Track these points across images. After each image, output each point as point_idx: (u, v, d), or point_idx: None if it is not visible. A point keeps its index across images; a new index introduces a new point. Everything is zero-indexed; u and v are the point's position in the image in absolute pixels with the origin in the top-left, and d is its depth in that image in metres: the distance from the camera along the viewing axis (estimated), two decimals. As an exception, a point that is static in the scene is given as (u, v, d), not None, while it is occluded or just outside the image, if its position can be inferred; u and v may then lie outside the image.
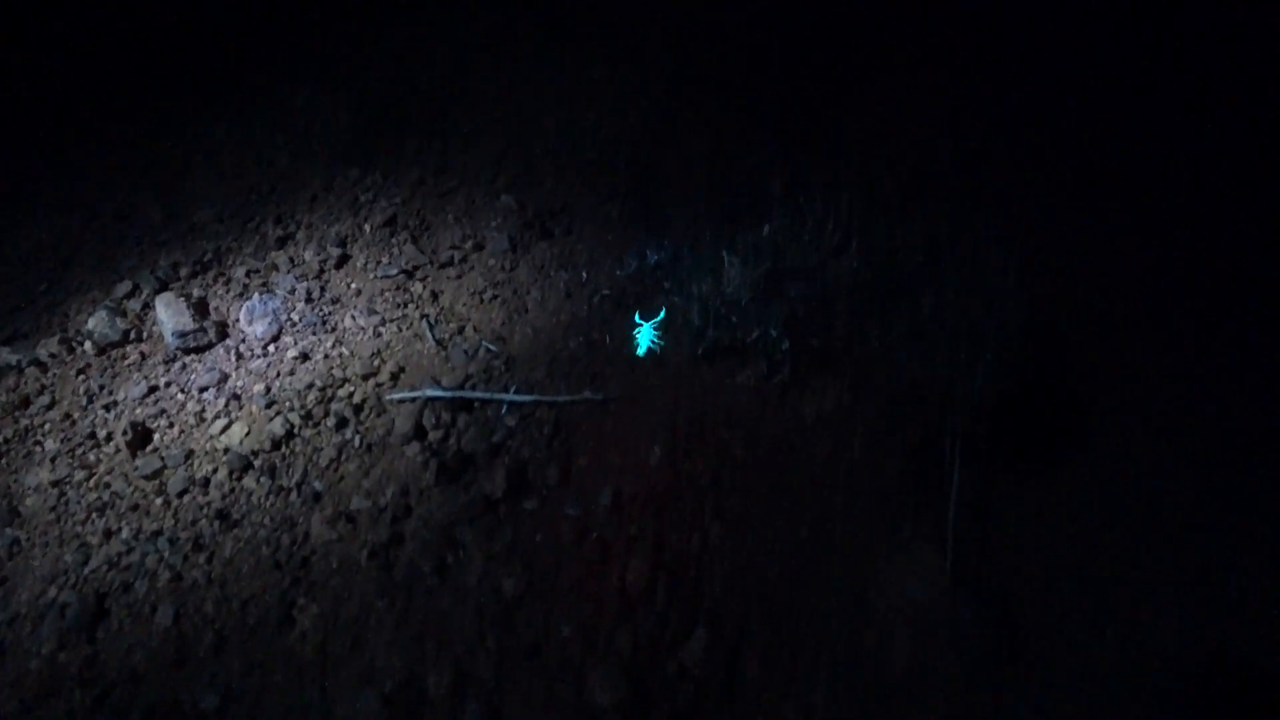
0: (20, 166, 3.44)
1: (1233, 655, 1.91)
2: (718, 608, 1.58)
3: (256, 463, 1.92)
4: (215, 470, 1.95)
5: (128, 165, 3.35)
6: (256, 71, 3.91)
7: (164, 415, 2.24)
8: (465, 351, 2.19)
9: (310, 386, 2.14)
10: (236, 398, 2.21)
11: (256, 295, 2.57)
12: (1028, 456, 2.09)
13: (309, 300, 2.58)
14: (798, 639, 1.63)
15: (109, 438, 2.17)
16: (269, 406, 2.11)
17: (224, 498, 1.86)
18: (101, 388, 2.36)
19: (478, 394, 1.97)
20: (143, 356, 2.47)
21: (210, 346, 2.46)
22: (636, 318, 2.06)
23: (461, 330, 2.33)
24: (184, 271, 2.79)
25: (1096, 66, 3.57)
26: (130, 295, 2.66)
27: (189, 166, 3.43)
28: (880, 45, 3.76)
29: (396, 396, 2.04)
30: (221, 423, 2.12)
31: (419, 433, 1.89)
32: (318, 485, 1.85)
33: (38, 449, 2.19)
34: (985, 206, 2.79)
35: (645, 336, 2.00)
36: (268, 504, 1.83)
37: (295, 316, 2.51)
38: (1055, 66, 3.56)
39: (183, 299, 2.51)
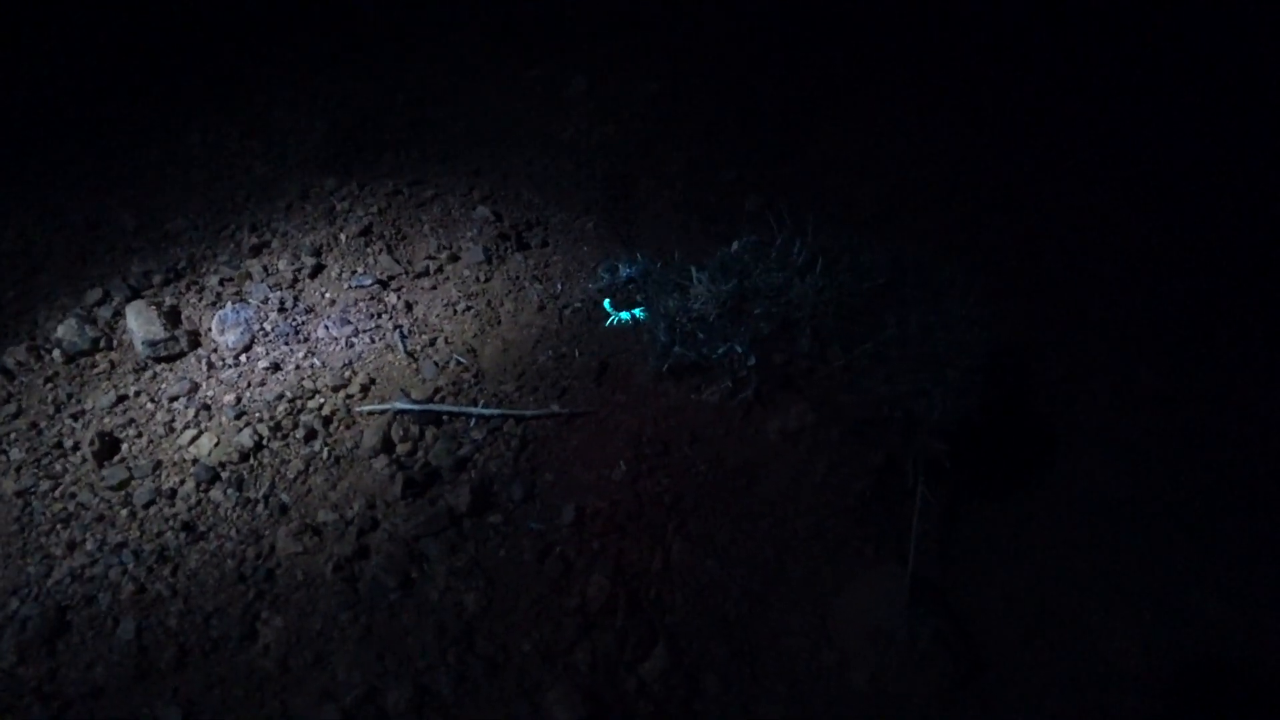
0: None
1: (1191, 670, 1.98)
2: (678, 626, 1.63)
3: (224, 474, 1.95)
4: (183, 482, 1.97)
5: (98, 172, 3.34)
6: (231, 81, 3.91)
7: (133, 425, 2.25)
8: (436, 364, 2.23)
9: (280, 398, 2.17)
10: (206, 408, 2.23)
11: (229, 305, 2.59)
12: (989, 479, 2.16)
13: (282, 310, 2.60)
14: (758, 658, 1.67)
15: (76, 447, 2.18)
16: (239, 418, 2.13)
17: (190, 510, 1.89)
18: (70, 396, 2.37)
19: (446, 407, 2.00)
20: (112, 365, 2.48)
21: (181, 355, 2.48)
22: (607, 304, 2.15)
23: (434, 342, 2.36)
24: (156, 279, 2.79)
25: (1070, 94, 3.66)
26: (100, 303, 2.67)
27: (162, 175, 3.43)
28: (860, 65, 3.84)
29: (366, 409, 2.07)
30: (191, 433, 2.14)
31: (387, 446, 1.93)
32: (285, 498, 1.87)
33: (2, 458, 2.19)
34: (952, 231, 2.86)
35: (620, 315, 2.11)
36: (234, 516, 1.86)
37: (268, 326, 2.53)
38: (1032, 94, 3.65)
39: (154, 307, 2.53)
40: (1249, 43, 3.76)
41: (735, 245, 2.01)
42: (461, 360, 2.21)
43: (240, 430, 2.08)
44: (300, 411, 2.11)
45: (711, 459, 1.87)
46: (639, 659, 1.53)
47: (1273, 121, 3.45)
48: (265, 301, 2.66)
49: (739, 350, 1.91)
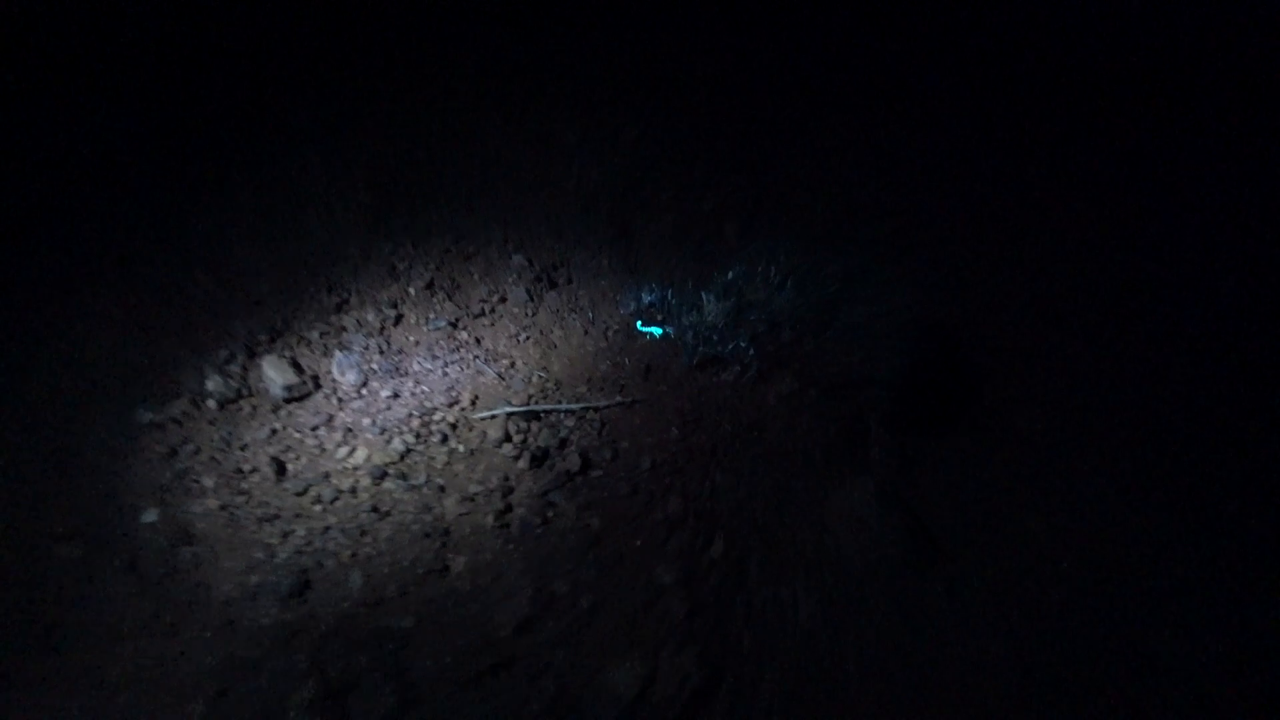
0: (62, 246, 4.10)
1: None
2: (727, 526, 2.51)
3: (390, 471, 2.75)
4: (357, 481, 2.77)
5: (167, 240, 4.06)
6: (259, 143, 4.65)
7: (289, 450, 3.02)
8: (521, 379, 3.08)
9: (410, 415, 2.98)
10: (350, 430, 3.02)
11: (339, 351, 3.38)
12: (928, 418, 3.11)
13: (381, 352, 3.41)
14: (780, 544, 2.57)
15: (254, 470, 2.95)
16: (382, 433, 2.94)
17: (372, 498, 2.69)
18: (231, 434, 3.12)
19: (543, 406, 2.86)
20: (254, 408, 3.24)
21: (309, 395, 3.26)
22: (640, 325, 3.02)
23: (512, 365, 3.21)
24: (263, 338, 3.55)
25: (996, 116, 4.73)
26: (229, 361, 3.42)
27: (226, 239, 4.17)
28: (810, 100, 4.82)
29: (480, 415, 2.90)
30: (346, 449, 2.93)
31: (507, 437, 2.77)
32: (440, 481, 2.69)
33: (195, 485, 2.94)
34: (892, 239, 3.86)
35: (651, 329, 2.99)
36: (407, 498, 2.67)
37: (375, 365, 3.34)
38: (955, 117, 4.70)
39: (284, 359, 3.30)
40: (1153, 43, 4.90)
41: (730, 274, 2.93)
42: (542, 374, 3.07)
43: (389, 442, 2.88)
44: (430, 423, 2.93)
45: (733, 419, 2.76)
46: (706, 547, 2.40)
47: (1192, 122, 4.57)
48: (365, 348, 3.45)
49: (742, 345, 2.82)
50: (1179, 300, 3.76)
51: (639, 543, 2.39)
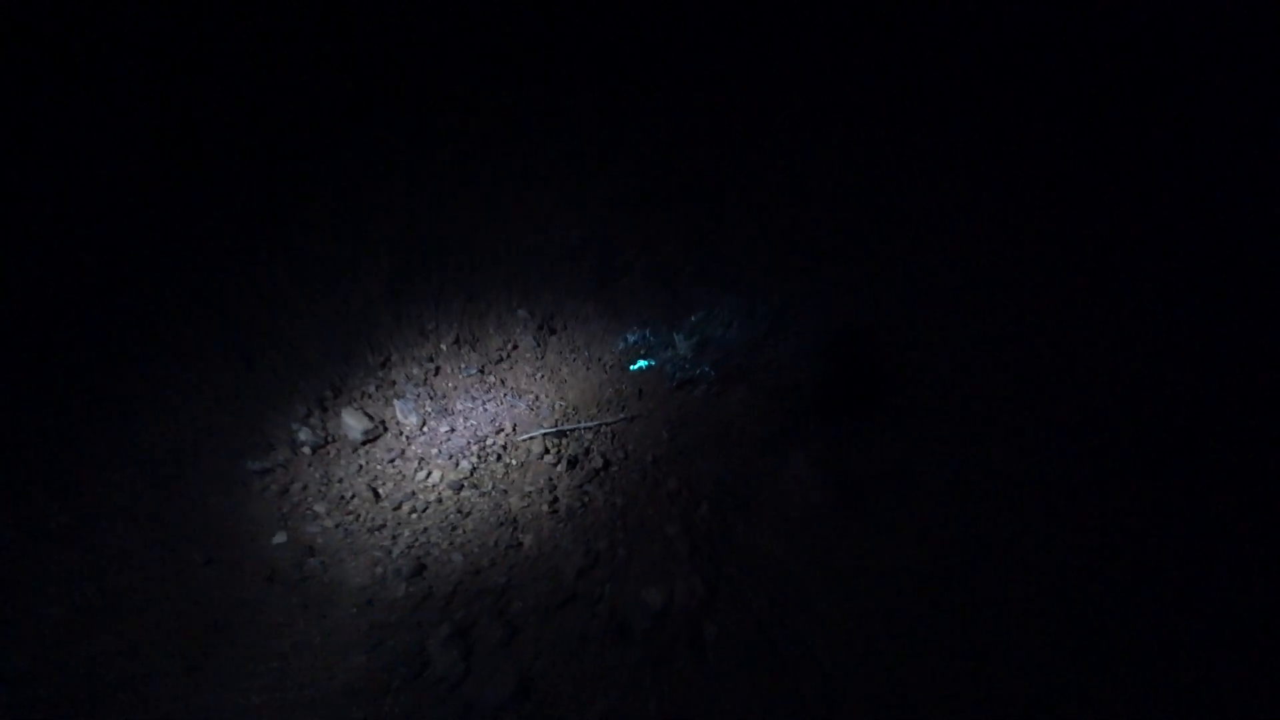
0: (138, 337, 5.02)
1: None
2: (710, 495, 3.67)
3: (465, 484, 3.82)
4: (440, 495, 3.83)
5: (227, 314, 5.00)
6: (283, 219, 5.64)
7: (377, 479, 4.06)
8: (546, 408, 4.18)
9: (468, 443, 4.06)
10: (422, 459, 4.07)
11: (397, 400, 4.42)
12: (849, 402, 4.33)
13: (430, 398, 4.46)
14: (748, 503, 3.73)
15: (354, 495, 3.97)
16: (450, 458, 4.00)
17: (455, 504, 3.75)
18: (327, 472, 4.13)
19: (567, 426, 3.97)
20: (339, 450, 4.25)
21: (381, 436, 4.29)
22: (630, 367, 4.16)
23: (536, 398, 4.32)
24: (328, 394, 4.57)
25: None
26: (308, 415, 4.42)
27: (275, 308, 5.14)
28: (746, 157, 6.06)
29: (522, 437, 4.00)
30: (423, 474, 3.98)
31: (546, 451, 3.87)
32: (503, 487, 3.78)
33: (310, 512, 3.94)
34: (816, 267, 5.09)
35: (638, 364, 4.12)
36: (480, 501, 3.74)
37: (428, 408, 4.39)
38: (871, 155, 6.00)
39: (357, 409, 4.33)
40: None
41: (694, 318, 4.10)
42: (561, 403, 4.18)
43: (457, 464, 3.94)
44: (485, 447, 4.00)
45: (706, 422, 3.93)
46: (695, 508, 3.55)
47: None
48: (418, 395, 4.50)
49: (707, 369, 3.99)
50: (1048, 300, 5.10)
51: (651, 511, 3.53)
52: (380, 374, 4.66)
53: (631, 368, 4.17)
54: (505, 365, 4.64)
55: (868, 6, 6.99)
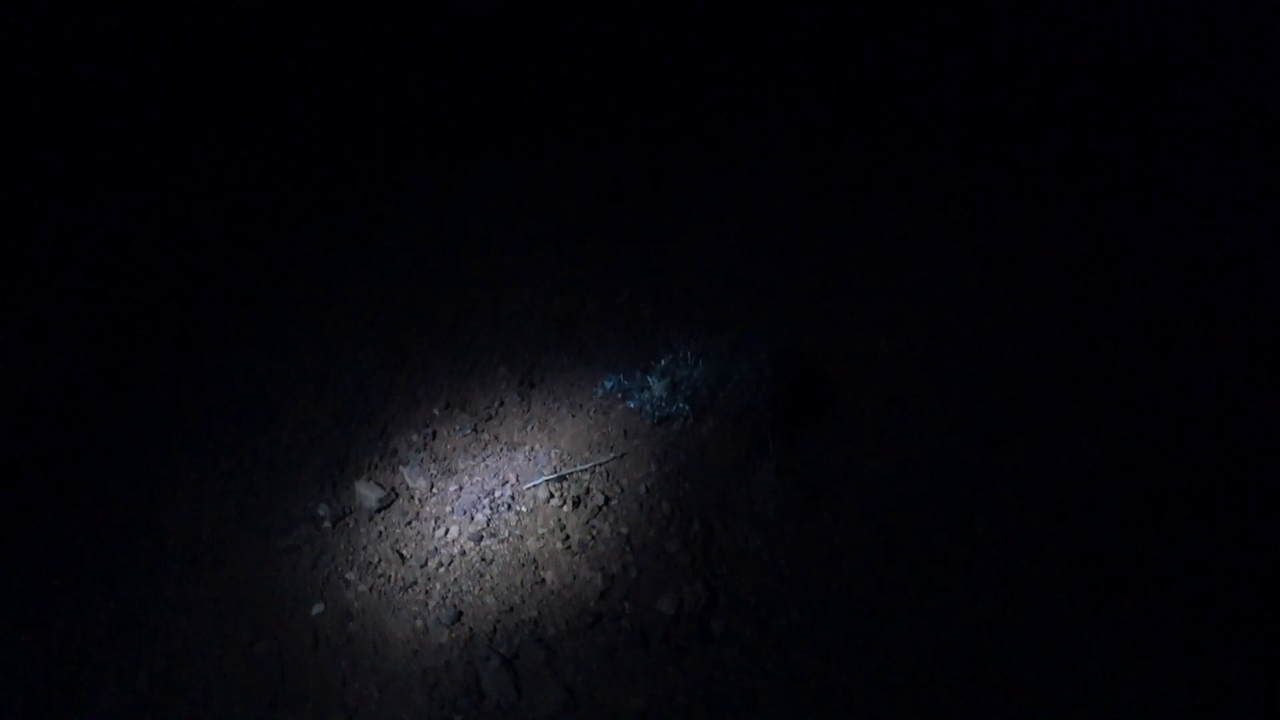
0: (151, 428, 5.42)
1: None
2: (698, 510, 4.39)
3: (483, 535, 4.42)
4: (462, 548, 4.40)
5: (227, 400, 5.47)
6: (267, 304, 6.11)
7: (399, 541, 4.61)
8: (543, 456, 4.82)
9: (478, 498, 4.65)
10: (438, 518, 4.64)
11: (403, 467, 4.98)
12: (802, 417, 5.13)
13: (433, 460, 5.03)
14: (730, 512, 4.47)
15: (381, 560, 4.51)
16: (464, 514, 4.59)
17: (478, 553, 4.34)
18: (351, 541, 4.65)
19: (566, 470, 4.62)
20: (357, 520, 4.78)
21: (395, 502, 4.84)
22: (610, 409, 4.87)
23: (532, 448, 4.95)
24: (336, 469, 5.09)
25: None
26: (322, 489, 4.92)
27: (271, 397, 5.61)
28: (682, 201, 6.84)
29: (526, 486, 4.62)
30: (442, 531, 4.56)
31: (550, 495, 4.51)
32: (518, 532, 4.39)
33: (343, 580, 4.46)
34: (760, 309, 5.89)
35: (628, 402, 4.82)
36: (500, 548, 4.34)
37: (433, 470, 4.96)
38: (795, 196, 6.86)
39: (369, 479, 4.86)
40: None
41: (663, 361, 4.82)
42: (555, 449, 4.83)
43: (472, 518, 4.53)
44: (495, 498, 4.61)
45: (685, 450, 4.65)
46: (688, 524, 4.26)
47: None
48: (421, 460, 5.05)
49: (681, 405, 4.72)
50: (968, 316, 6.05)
51: (653, 533, 4.23)
52: (381, 444, 5.21)
53: (612, 412, 4.85)
54: (496, 421, 5.25)
55: (807, 48, 7.95)
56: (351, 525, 4.74)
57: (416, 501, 4.79)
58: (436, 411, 5.36)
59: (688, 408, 4.68)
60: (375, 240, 6.52)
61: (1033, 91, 7.65)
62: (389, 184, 6.89)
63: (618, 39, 8.30)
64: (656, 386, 4.72)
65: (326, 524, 4.72)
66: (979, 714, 3.60)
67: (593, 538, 4.27)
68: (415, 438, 5.19)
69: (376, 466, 5.05)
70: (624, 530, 4.28)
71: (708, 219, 6.79)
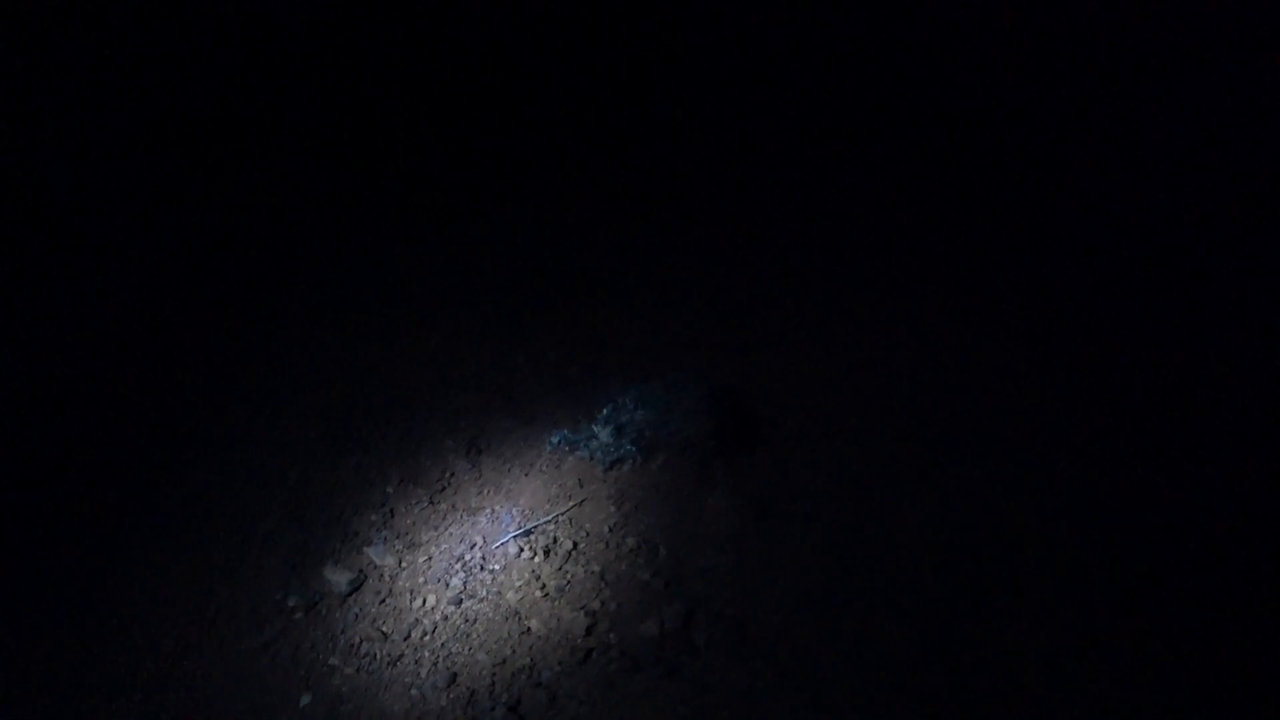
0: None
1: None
2: (662, 539, 4.91)
3: (461, 599, 4.75)
4: (443, 613, 4.71)
5: (189, 507, 5.57)
6: (206, 425, 6.24)
7: (376, 619, 4.86)
8: (505, 515, 5.22)
9: (449, 565, 4.98)
10: (412, 590, 4.93)
11: (367, 547, 5.23)
12: (739, 446, 5.78)
13: (397, 536, 5.31)
14: (689, 538, 5.02)
15: (362, 640, 4.74)
16: (438, 581, 4.90)
17: (460, 615, 4.66)
18: (327, 627, 4.85)
19: (531, 524, 5.05)
20: (329, 605, 4.98)
21: (365, 581, 5.08)
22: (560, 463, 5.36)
23: (492, 509, 5.33)
24: (299, 558, 5.27)
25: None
26: (288, 580, 5.09)
27: (208, 500, 5.73)
28: (607, 259, 7.51)
29: (494, 545, 5.01)
30: (419, 601, 4.84)
31: (520, 551, 4.91)
32: (495, 589, 4.75)
33: (326, 667, 4.65)
34: (690, 350, 6.57)
35: (579, 453, 5.32)
36: (480, 607, 4.68)
37: (398, 545, 5.24)
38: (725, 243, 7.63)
39: (335, 563, 5.09)
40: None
41: (606, 410, 5.37)
42: (515, 507, 5.24)
43: (447, 585, 4.85)
44: (466, 562, 4.95)
45: (640, 488, 5.18)
46: (655, 554, 4.77)
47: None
48: (384, 538, 5.31)
49: (628, 448, 5.26)
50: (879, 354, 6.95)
51: (624, 566, 4.72)
52: (340, 529, 5.45)
53: (564, 465, 5.34)
54: (450, 490, 5.60)
55: (703, 96, 8.87)
56: (325, 612, 4.94)
57: (387, 579, 5.06)
58: (390, 490, 5.66)
59: (635, 449, 5.24)
60: (310, 335, 6.79)
61: (945, 125, 8.95)
62: (315, 278, 7.20)
63: (525, 104, 9.05)
64: (603, 434, 5.26)
65: (299, 614, 4.90)
66: (951, 679, 4.25)
67: (568, 581, 4.70)
68: (374, 517, 5.46)
69: (340, 551, 5.28)
70: (596, 569, 4.74)
71: (629, 268, 7.51)
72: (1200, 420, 5.75)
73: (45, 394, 6.58)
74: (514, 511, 5.24)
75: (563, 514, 5.09)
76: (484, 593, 4.76)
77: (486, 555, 4.97)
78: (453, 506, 5.48)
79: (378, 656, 4.64)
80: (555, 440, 5.57)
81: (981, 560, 4.84)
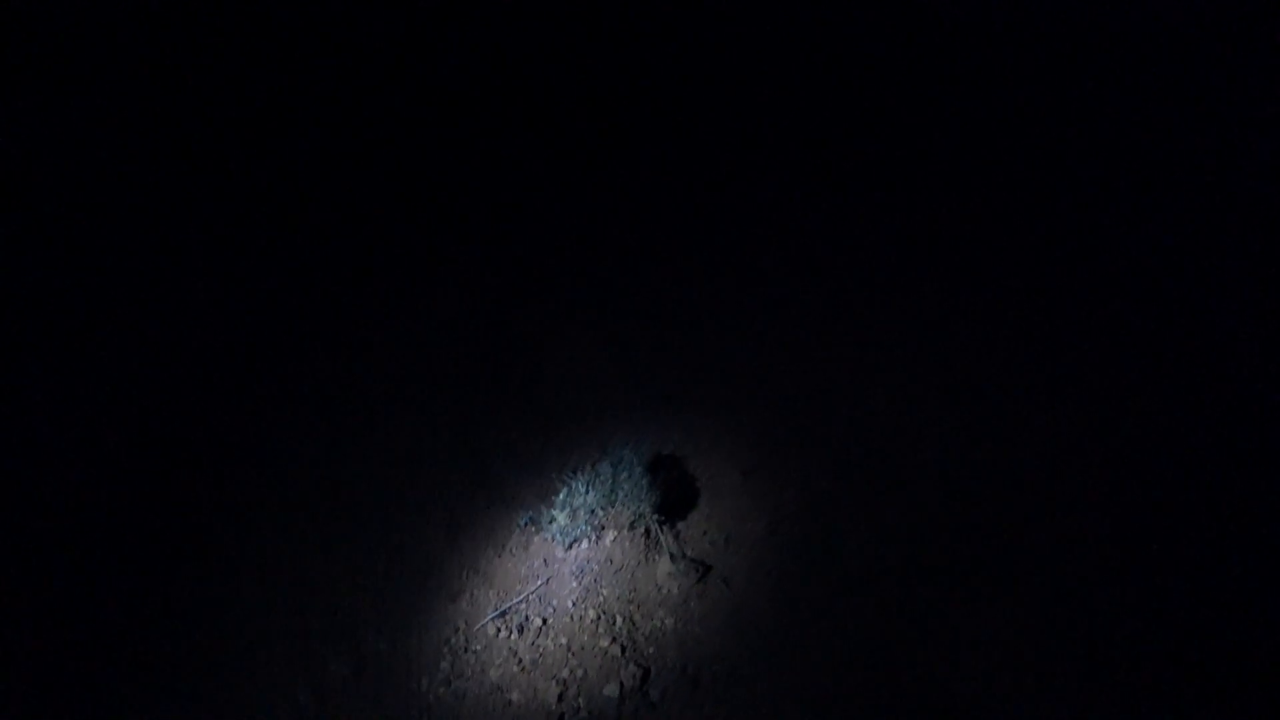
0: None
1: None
2: (618, 608, 5.80)
3: (450, 678, 5.61)
4: (435, 694, 5.57)
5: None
6: (189, 557, 7.04)
7: (378, 702, 5.70)
8: (481, 598, 6.07)
9: (438, 648, 5.83)
10: (406, 674, 5.78)
11: (363, 630, 6.07)
12: (679, 515, 6.66)
13: (384, 620, 6.15)
14: (644, 602, 5.91)
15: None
16: (429, 664, 5.75)
17: (448, 694, 5.52)
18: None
19: (505, 605, 5.92)
20: (334, 692, 5.82)
21: (364, 670, 5.92)
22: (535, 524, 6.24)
23: (470, 594, 6.18)
24: (296, 661, 6.10)
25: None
26: (300, 673, 5.92)
27: (211, 604, 6.53)
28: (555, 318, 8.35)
29: (477, 627, 5.87)
30: (413, 684, 5.69)
31: (497, 631, 5.77)
32: (479, 667, 5.61)
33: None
34: (626, 423, 7.45)
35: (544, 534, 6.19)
36: (464, 684, 5.55)
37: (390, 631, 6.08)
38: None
39: (340, 657, 5.92)
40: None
41: (562, 494, 6.25)
42: (490, 589, 6.09)
43: (438, 667, 5.70)
44: (450, 645, 5.79)
45: (595, 561, 6.07)
46: (614, 623, 5.66)
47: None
48: (377, 627, 6.14)
49: (584, 526, 6.15)
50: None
51: (586, 637, 5.62)
52: (338, 619, 6.28)
53: (530, 545, 6.20)
54: (436, 570, 6.46)
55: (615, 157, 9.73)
56: (331, 699, 5.78)
57: (384, 663, 5.91)
58: (380, 569, 6.50)
59: (589, 528, 6.13)
60: (296, 442, 7.60)
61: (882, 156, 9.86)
62: (296, 392, 8.00)
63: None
64: (560, 517, 6.14)
65: (310, 708, 5.74)
66: (889, 702, 5.18)
67: (541, 654, 5.60)
68: (365, 600, 6.30)
69: (338, 639, 6.12)
70: (564, 641, 5.63)
71: (577, 344, 8.39)
72: (1201, 421, 6.43)
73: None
74: (490, 594, 6.10)
75: (532, 592, 5.96)
76: (469, 672, 5.64)
77: (469, 637, 5.84)
78: (437, 589, 6.34)
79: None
80: (523, 522, 6.44)
81: (912, 591, 5.79)
